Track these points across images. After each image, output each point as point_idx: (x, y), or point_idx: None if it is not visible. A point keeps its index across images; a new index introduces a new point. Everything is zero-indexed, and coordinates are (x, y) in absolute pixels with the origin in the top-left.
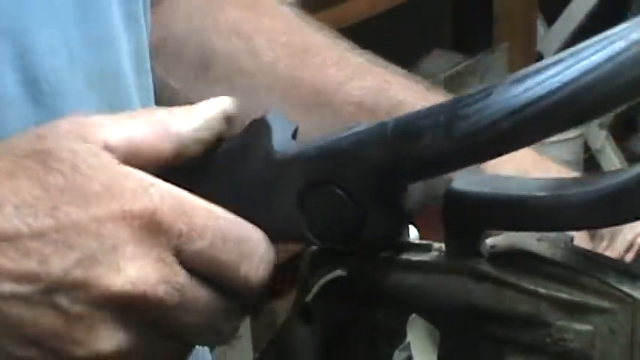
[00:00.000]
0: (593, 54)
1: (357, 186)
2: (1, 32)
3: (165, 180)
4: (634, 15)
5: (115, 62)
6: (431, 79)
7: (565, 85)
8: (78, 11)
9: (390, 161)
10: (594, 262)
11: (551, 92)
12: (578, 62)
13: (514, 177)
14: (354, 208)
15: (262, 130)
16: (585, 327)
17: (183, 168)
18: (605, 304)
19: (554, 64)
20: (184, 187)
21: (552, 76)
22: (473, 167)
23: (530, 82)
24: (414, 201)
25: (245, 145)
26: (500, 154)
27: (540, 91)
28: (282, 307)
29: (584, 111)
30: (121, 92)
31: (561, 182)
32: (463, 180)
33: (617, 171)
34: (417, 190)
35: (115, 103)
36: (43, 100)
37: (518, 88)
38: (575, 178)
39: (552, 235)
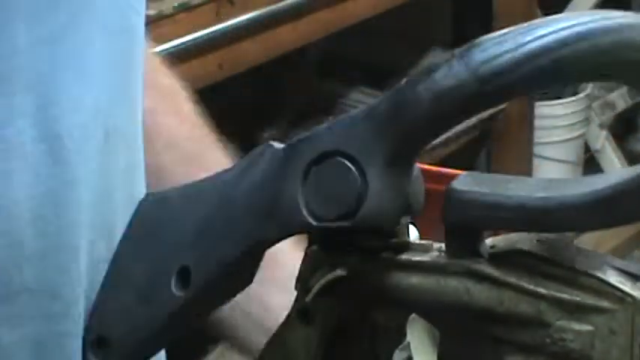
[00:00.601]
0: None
1: (365, 152)
2: (25, 87)
3: None
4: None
5: (135, 119)
6: None
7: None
8: (109, 69)
9: (402, 109)
10: (594, 262)
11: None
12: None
13: (514, 177)
14: (355, 180)
15: (264, 146)
16: (585, 327)
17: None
18: (605, 304)
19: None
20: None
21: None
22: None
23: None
24: (415, 194)
25: (248, 162)
26: (520, 91)
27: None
28: None
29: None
30: (137, 150)
31: (561, 183)
32: (463, 180)
33: (617, 172)
34: (417, 189)
35: (133, 162)
36: (63, 156)
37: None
38: (574, 179)
39: (552, 235)
